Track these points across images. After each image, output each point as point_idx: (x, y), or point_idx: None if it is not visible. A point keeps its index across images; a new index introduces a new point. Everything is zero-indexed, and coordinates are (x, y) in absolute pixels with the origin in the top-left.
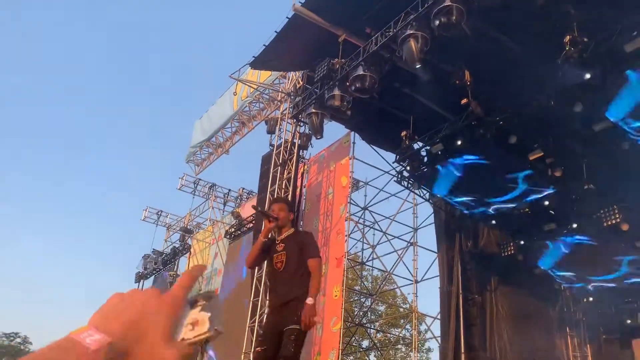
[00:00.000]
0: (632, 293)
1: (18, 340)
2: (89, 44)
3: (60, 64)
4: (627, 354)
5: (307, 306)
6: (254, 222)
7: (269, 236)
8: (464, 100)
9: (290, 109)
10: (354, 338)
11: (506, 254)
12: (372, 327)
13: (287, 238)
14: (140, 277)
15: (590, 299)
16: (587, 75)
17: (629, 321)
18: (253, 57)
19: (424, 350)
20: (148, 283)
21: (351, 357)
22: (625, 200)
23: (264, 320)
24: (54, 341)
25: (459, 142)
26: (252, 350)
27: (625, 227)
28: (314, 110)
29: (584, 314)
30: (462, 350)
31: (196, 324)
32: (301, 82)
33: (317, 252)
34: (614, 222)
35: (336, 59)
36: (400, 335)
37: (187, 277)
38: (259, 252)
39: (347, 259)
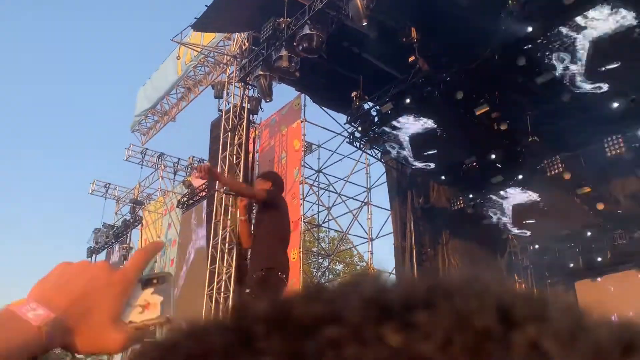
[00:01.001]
0: (573, 238)
1: None
2: (29, 7)
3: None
4: (571, 296)
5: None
6: (206, 190)
7: (247, 214)
8: (411, 58)
9: (237, 72)
10: None
11: (456, 208)
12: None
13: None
14: (92, 252)
15: (536, 246)
16: (529, 29)
17: (571, 265)
18: (195, 18)
19: None
20: (100, 257)
21: None
22: (567, 150)
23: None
24: None
25: (408, 101)
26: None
27: (567, 176)
28: (261, 73)
29: (530, 260)
30: None
31: (147, 307)
32: (247, 44)
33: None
34: (556, 172)
35: (282, 18)
36: None
37: (142, 254)
38: (245, 229)
39: (304, 222)
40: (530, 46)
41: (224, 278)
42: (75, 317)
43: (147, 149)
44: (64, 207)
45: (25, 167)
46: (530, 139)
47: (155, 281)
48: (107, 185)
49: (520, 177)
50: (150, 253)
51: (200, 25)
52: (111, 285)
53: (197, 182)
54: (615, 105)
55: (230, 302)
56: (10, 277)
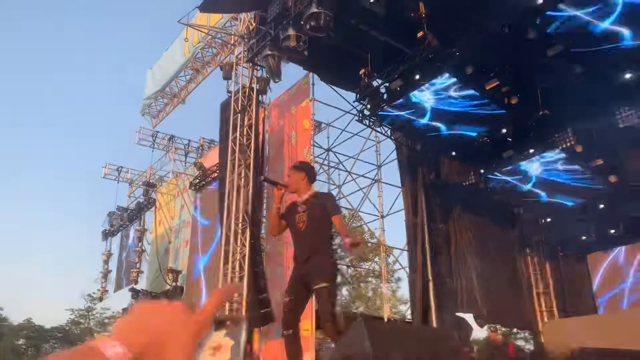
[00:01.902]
0: (585, 211)
1: None
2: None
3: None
4: (582, 268)
5: (348, 241)
6: (217, 171)
7: (281, 202)
8: (420, 33)
9: (245, 53)
10: None
11: (467, 183)
12: (343, 263)
13: (308, 200)
14: (107, 235)
15: (548, 219)
16: (539, 0)
17: (583, 237)
18: None
19: (394, 281)
20: (116, 240)
21: None
22: (580, 122)
23: (291, 274)
24: (76, 347)
25: (417, 77)
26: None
27: (579, 148)
28: (269, 52)
29: (542, 234)
30: (430, 278)
31: (218, 349)
32: (254, 24)
33: (339, 209)
34: (569, 144)
35: None
36: (370, 268)
37: (220, 296)
38: (276, 219)
39: None
40: (540, 18)
41: (238, 258)
42: (151, 357)
43: (157, 131)
44: (78, 191)
45: (37, 154)
46: (541, 113)
47: (228, 323)
48: (120, 169)
49: (531, 150)
50: (227, 295)
51: (207, 6)
52: (188, 326)
53: (209, 163)
54: (628, 76)
55: (245, 280)
56: (28, 265)
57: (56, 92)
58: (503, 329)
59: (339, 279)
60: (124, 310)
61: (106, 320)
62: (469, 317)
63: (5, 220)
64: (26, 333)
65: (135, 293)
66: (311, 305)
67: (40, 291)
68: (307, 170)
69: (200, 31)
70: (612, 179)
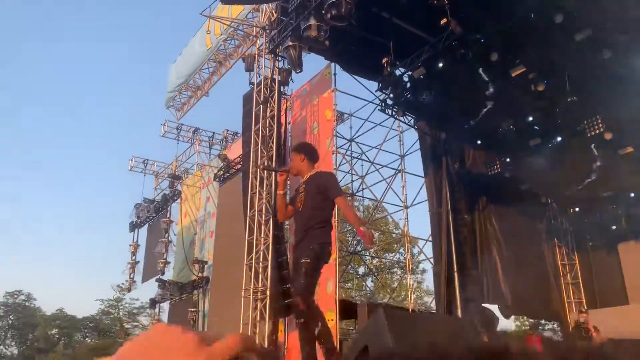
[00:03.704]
0: (615, 200)
1: (22, 297)
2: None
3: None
4: (613, 258)
5: (361, 232)
6: (241, 163)
7: (285, 188)
8: (444, 20)
9: (267, 44)
10: (350, 266)
11: (493, 172)
12: (367, 254)
13: (307, 180)
14: (134, 226)
15: (577, 209)
16: None
17: (614, 227)
18: None
19: (419, 272)
20: (142, 231)
21: (349, 284)
22: (608, 109)
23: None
24: None
25: (441, 65)
26: (251, 286)
27: (608, 135)
28: (291, 43)
29: (570, 224)
30: (455, 270)
31: None
32: (275, 15)
33: (340, 190)
34: (597, 132)
35: None
36: (395, 259)
37: (238, 344)
38: (282, 204)
39: None
40: (567, 1)
41: (262, 248)
42: None
43: (182, 124)
44: (105, 184)
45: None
46: (569, 99)
47: None
48: (146, 161)
49: (559, 139)
50: (242, 346)
51: None
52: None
53: (233, 155)
54: None
55: (269, 271)
56: (60, 257)
57: (86, 86)
58: (530, 321)
59: (324, 258)
60: (151, 300)
61: (135, 311)
62: (494, 308)
63: (38, 215)
64: (59, 323)
65: (162, 283)
66: (335, 295)
67: (71, 282)
68: (306, 151)
69: (222, 23)
70: None
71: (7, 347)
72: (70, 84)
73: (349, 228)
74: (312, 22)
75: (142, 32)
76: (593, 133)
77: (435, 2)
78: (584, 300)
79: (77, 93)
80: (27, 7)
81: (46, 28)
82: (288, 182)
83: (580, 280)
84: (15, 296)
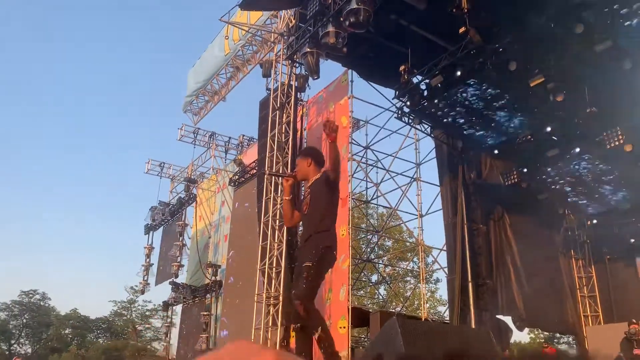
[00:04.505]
0: (634, 212)
1: (37, 297)
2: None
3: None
4: (631, 272)
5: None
6: (256, 168)
7: (291, 194)
8: (462, 29)
9: (285, 50)
10: (363, 273)
11: (510, 182)
12: (381, 262)
13: (313, 183)
14: (149, 229)
15: (595, 221)
16: None
17: (632, 240)
18: None
19: (432, 281)
20: (157, 234)
21: (362, 292)
22: (629, 120)
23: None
24: None
25: (459, 73)
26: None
27: (628, 147)
28: (308, 50)
29: (588, 236)
30: (469, 279)
31: None
32: (293, 21)
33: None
34: (617, 143)
35: None
36: (408, 268)
37: None
38: (288, 210)
39: (352, 198)
40: (588, 12)
41: (275, 254)
42: None
43: (199, 128)
44: (121, 186)
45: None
46: (588, 110)
47: None
48: (162, 165)
49: (577, 150)
50: None
51: (248, 3)
52: None
53: (248, 160)
54: None
55: (282, 277)
56: (75, 258)
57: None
58: (545, 333)
59: (328, 263)
60: (164, 303)
61: (147, 313)
62: (508, 320)
63: (53, 218)
64: (72, 323)
65: (176, 286)
66: (347, 302)
67: (86, 283)
68: (313, 155)
69: (241, 29)
70: None
71: (21, 345)
72: (87, 86)
73: (363, 236)
74: (330, 29)
75: (162, 36)
76: (612, 144)
77: (454, 10)
78: (600, 314)
79: (89, 94)
80: (56, 13)
81: (72, 29)
82: (300, 186)
83: (597, 293)
84: (31, 295)
